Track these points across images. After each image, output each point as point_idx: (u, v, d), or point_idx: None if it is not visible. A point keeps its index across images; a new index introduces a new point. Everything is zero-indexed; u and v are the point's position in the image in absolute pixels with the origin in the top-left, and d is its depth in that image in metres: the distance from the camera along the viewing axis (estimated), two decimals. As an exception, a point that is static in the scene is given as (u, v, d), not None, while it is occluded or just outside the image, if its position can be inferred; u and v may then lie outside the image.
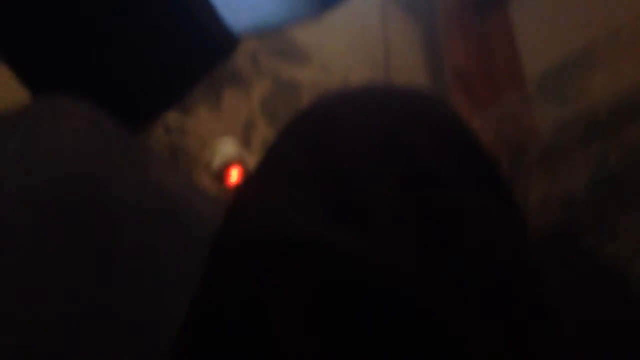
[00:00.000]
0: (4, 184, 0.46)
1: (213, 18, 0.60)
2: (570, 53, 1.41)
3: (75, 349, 0.44)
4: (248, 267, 0.41)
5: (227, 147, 1.18)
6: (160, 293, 0.50)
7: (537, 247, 0.51)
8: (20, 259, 0.44)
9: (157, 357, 0.45)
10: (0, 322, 0.41)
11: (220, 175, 1.16)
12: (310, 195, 0.43)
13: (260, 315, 0.39)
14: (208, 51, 0.64)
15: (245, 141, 1.27)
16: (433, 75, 1.73)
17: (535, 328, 0.43)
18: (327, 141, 0.46)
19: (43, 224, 0.45)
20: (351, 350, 0.39)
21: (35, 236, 0.45)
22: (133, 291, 0.48)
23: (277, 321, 0.39)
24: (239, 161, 1.17)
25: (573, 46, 1.41)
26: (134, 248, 0.49)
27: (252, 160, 1.21)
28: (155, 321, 0.48)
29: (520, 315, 0.43)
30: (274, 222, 0.42)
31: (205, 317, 0.42)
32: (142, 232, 0.50)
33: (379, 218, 0.42)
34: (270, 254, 0.41)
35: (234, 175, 1.15)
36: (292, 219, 0.42)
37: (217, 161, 1.16)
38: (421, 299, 0.39)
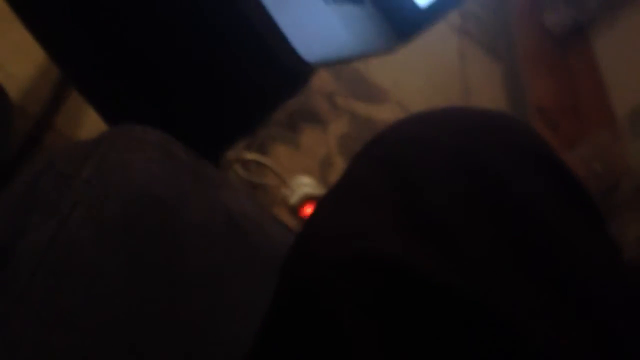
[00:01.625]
0: (76, 207, 0.47)
1: (285, 46, 0.60)
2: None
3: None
4: (324, 288, 0.40)
5: (305, 184, 1.19)
6: (227, 315, 0.49)
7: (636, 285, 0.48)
8: (88, 276, 0.44)
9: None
10: (66, 338, 0.42)
11: (297, 211, 1.16)
12: (388, 216, 0.42)
13: (337, 338, 0.38)
14: (282, 80, 0.65)
15: (323, 178, 1.27)
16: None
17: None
18: (405, 161, 0.45)
19: (111, 242, 0.46)
20: None
21: (103, 256, 0.45)
22: (199, 310, 0.48)
23: (355, 344, 0.38)
24: (316, 198, 1.17)
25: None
26: (200, 271, 0.49)
27: (329, 198, 1.20)
28: (222, 345, 0.48)
29: (623, 343, 0.39)
30: (351, 242, 0.41)
31: (279, 339, 0.41)
32: (209, 254, 0.50)
33: (461, 241, 0.40)
34: (348, 273, 0.39)
35: (311, 212, 1.14)
36: (369, 239, 0.41)
37: (295, 197, 1.17)
38: (517, 328, 0.37)
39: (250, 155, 1.19)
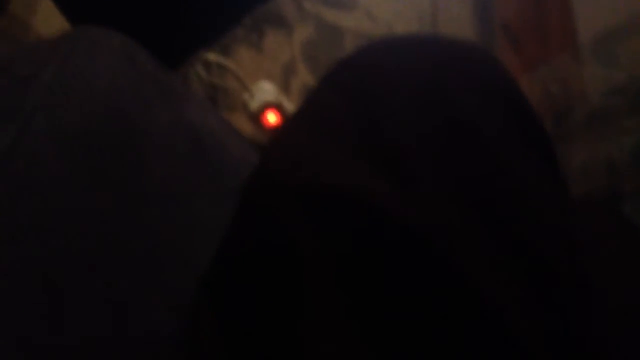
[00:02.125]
0: (35, 113, 0.46)
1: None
2: (627, 17, 1.36)
3: (100, 283, 0.44)
4: (281, 213, 0.40)
5: (266, 90, 1.17)
6: (189, 232, 0.50)
7: (577, 213, 0.49)
8: (48, 191, 0.43)
9: (184, 296, 0.45)
10: (25, 250, 0.41)
11: (257, 117, 1.15)
12: (349, 146, 0.42)
13: (290, 262, 0.39)
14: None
15: (285, 85, 1.26)
16: (481, 30, 1.68)
17: (571, 292, 0.42)
18: (369, 91, 0.45)
19: (73, 158, 0.45)
20: (378, 304, 0.38)
21: (65, 169, 0.45)
22: (163, 229, 0.48)
23: (307, 269, 0.39)
24: (277, 105, 1.15)
25: (630, 10, 1.35)
26: (164, 186, 0.49)
27: (290, 105, 1.19)
28: (184, 260, 0.48)
29: (559, 280, 0.41)
30: (311, 170, 0.41)
31: (234, 260, 0.42)
32: (173, 171, 0.50)
33: (417, 172, 0.40)
34: (304, 201, 0.40)
35: (271, 118, 1.14)
36: (329, 168, 0.41)
37: (255, 103, 1.15)
38: (456, 261, 0.38)
39: (213, 57, 1.16)
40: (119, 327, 0.44)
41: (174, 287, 0.47)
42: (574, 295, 0.42)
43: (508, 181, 0.42)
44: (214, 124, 0.57)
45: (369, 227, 0.39)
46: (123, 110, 0.48)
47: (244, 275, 0.41)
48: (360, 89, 0.45)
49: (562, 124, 1.33)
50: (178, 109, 0.53)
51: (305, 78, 1.28)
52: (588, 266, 0.44)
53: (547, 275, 0.41)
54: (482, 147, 0.42)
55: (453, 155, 0.42)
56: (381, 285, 0.39)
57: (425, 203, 0.39)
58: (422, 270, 0.38)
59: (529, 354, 0.38)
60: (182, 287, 0.46)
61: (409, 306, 0.38)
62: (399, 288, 0.38)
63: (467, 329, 0.38)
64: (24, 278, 0.41)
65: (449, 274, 0.38)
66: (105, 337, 0.43)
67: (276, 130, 1.12)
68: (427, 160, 0.41)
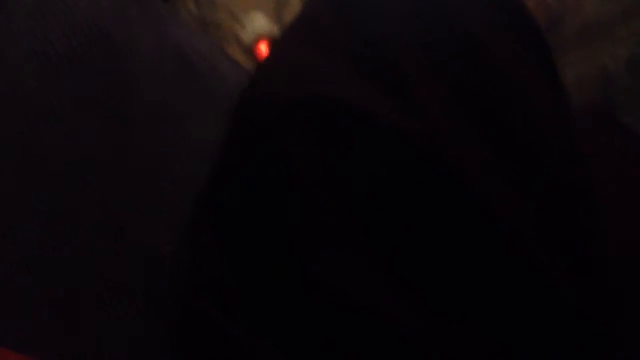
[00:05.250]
0: (17, 41, 0.44)
1: None
2: None
3: (96, 205, 0.44)
4: (277, 127, 0.40)
5: (258, 21, 1.15)
6: (183, 153, 0.49)
7: (578, 121, 0.48)
8: (31, 111, 0.43)
9: (182, 216, 0.45)
10: (16, 179, 0.41)
11: (251, 49, 1.13)
12: (343, 60, 0.41)
13: (286, 172, 0.39)
14: None
15: (277, 16, 1.23)
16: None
17: (573, 196, 0.41)
18: (358, 2, 0.43)
19: (56, 77, 0.44)
20: (379, 211, 0.38)
21: (49, 94, 0.44)
22: (155, 150, 0.47)
23: (303, 177, 0.38)
24: (270, 36, 1.13)
25: None
26: (152, 110, 0.48)
27: (284, 36, 1.17)
28: (179, 181, 0.48)
29: (559, 184, 0.41)
30: (305, 85, 0.41)
31: (231, 176, 0.42)
32: (161, 92, 0.49)
33: (415, 86, 0.40)
34: (300, 113, 0.39)
35: (264, 50, 1.12)
36: (323, 82, 0.40)
37: (248, 35, 1.13)
38: (450, 163, 0.38)
39: (202, -10, 1.13)
40: (119, 247, 0.44)
41: (171, 207, 0.47)
42: (575, 199, 0.41)
43: (506, 88, 0.41)
44: (203, 46, 0.56)
45: (367, 138, 0.38)
46: (105, 31, 0.47)
47: (242, 191, 0.41)
48: (351, 3, 0.43)
49: (554, 33, 1.29)
50: (163, 30, 0.52)
51: (297, 8, 1.25)
52: (592, 172, 0.43)
53: (546, 178, 0.40)
54: (480, 57, 0.41)
55: (451, 65, 0.41)
56: (378, 190, 0.38)
57: (419, 112, 0.39)
58: (419, 175, 0.38)
59: (525, 253, 0.38)
60: (179, 207, 0.46)
61: (407, 210, 0.38)
62: (396, 192, 0.38)
63: (462, 228, 0.37)
64: (18, 205, 0.41)
65: (444, 175, 0.38)
66: (105, 257, 0.43)
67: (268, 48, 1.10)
68: (422, 70, 0.40)
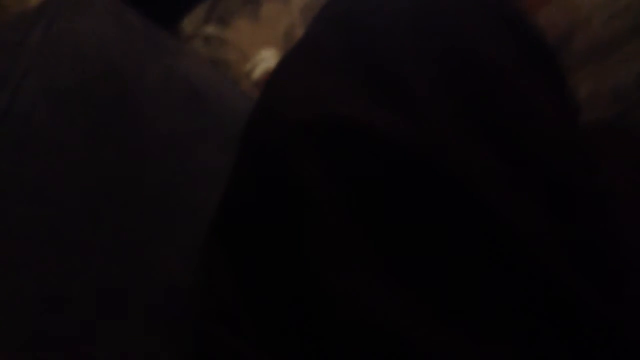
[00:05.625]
0: (27, 75, 0.45)
1: None
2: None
3: (108, 236, 0.44)
4: (287, 148, 0.40)
5: (267, 57, 1.16)
6: (194, 181, 0.49)
7: (592, 134, 0.48)
8: (47, 149, 0.43)
9: (190, 248, 0.44)
10: (29, 208, 0.41)
11: (261, 84, 1.14)
12: (349, 79, 0.41)
13: (298, 194, 0.39)
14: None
15: (286, 50, 1.25)
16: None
17: (587, 206, 0.41)
18: (360, 21, 0.44)
19: (68, 116, 0.44)
20: (389, 227, 0.38)
21: (61, 127, 0.44)
22: (167, 179, 0.48)
23: (315, 201, 0.38)
24: (280, 71, 1.14)
25: None
26: (161, 140, 0.48)
27: (293, 70, 1.18)
28: (191, 209, 0.48)
29: (568, 193, 0.40)
30: (314, 105, 0.41)
31: (241, 200, 0.42)
32: (170, 123, 0.49)
33: (423, 101, 0.40)
34: (311, 134, 0.39)
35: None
36: (328, 101, 0.41)
37: (257, 71, 1.14)
38: (468, 181, 0.37)
39: (210, 29, 1.15)
40: (134, 277, 0.43)
41: (184, 236, 0.47)
42: (589, 209, 0.41)
43: (512, 100, 0.41)
44: (210, 76, 0.56)
45: (376, 155, 0.38)
46: (114, 66, 0.47)
47: (253, 212, 0.41)
48: (351, 20, 0.44)
49: (563, 50, 1.28)
50: (171, 62, 0.52)
51: (306, 41, 1.26)
52: (606, 182, 0.43)
53: (556, 187, 0.40)
54: (485, 70, 0.41)
55: (457, 79, 0.41)
56: (390, 207, 0.38)
57: (427, 127, 0.39)
58: (432, 192, 0.38)
59: (544, 267, 0.37)
60: (193, 235, 0.46)
61: (419, 225, 0.38)
62: (408, 208, 0.38)
63: (476, 243, 0.37)
64: (31, 236, 0.41)
65: (456, 191, 0.37)
66: (119, 289, 0.43)
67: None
68: (427, 85, 0.40)
